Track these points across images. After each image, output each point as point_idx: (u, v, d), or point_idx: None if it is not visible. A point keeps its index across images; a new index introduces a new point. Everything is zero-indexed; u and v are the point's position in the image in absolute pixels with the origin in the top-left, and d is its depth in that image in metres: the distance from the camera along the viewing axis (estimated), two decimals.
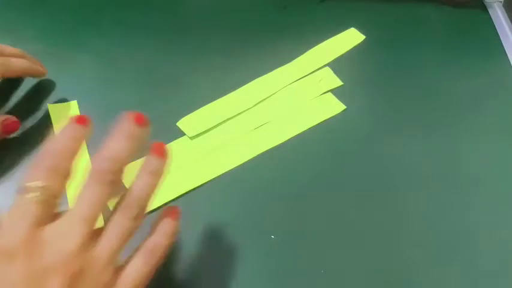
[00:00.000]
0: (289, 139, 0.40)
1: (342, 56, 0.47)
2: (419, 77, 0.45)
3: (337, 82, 0.44)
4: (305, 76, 0.44)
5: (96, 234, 0.24)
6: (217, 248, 0.33)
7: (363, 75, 0.45)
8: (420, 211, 0.36)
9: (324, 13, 0.51)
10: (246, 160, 0.38)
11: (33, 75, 0.41)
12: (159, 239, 0.26)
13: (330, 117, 0.41)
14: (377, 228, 0.35)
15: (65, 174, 0.24)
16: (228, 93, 0.43)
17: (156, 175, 0.26)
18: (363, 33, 0.49)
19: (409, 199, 0.37)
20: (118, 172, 0.25)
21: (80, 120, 0.26)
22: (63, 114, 0.39)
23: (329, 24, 0.50)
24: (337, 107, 0.42)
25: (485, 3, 0.53)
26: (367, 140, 0.40)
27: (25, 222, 0.22)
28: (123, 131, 0.26)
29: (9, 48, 0.39)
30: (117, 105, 0.41)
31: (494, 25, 0.51)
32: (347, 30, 0.49)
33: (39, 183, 0.23)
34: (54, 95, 0.41)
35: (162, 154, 0.27)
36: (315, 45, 0.47)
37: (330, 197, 0.36)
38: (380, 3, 0.52)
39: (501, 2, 0.53)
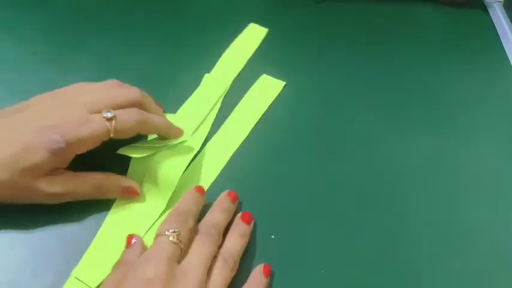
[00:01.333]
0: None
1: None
2: (419, 76, 0.45)
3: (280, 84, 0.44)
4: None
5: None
6: None
7: (362, 74, 0.45)
8: (420, 211, 0.36)
9: (323, 14, 0.51)
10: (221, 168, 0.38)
11: (166, 137, 0.37)
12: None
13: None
14: (377, 228, 0.35)
15: (189, 227, 0.31)
16: None
17: (245, 237, 0.33)
18: (363, 33, 0.49)
19: (410, 199, 0.37)
20: (219, 233, 0.32)
21: (199, 190, 0.34)
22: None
23: (328, 24, 0.50)
24: (277, 84, 0.43)
25: (485, 3, 0.53)
26: (368, 139, 0.40)
27: (164, 257, 0.28)
28: (221, 205, 0.34)
29: (153, 104, 0.38)
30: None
31: (494, 25, 0.51)
32: (248, 27, 0.49)
33: (174, 229, 0.30)
34: None
35: (250, 222, 0.34)
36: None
37: (330, 196, 0.36)
38: (379, 4, 0.52)
39: (501, 2, 0.53)
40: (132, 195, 0.35)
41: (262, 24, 0.49)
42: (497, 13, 0.52)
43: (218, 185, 0.37)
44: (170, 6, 0.50)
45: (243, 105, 0.42)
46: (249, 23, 0.49)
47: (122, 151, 0.35)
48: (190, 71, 0.44)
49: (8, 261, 0.32)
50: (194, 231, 0.31)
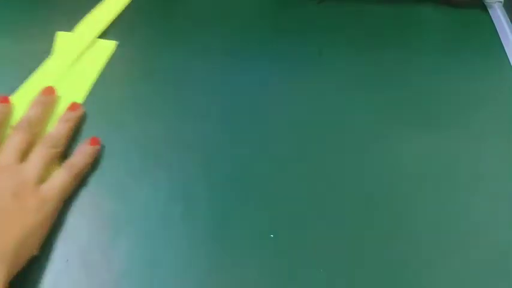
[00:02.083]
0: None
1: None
2: (419, 76, 0.45)
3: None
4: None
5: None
6: (216, 248, 0.33)
7: (362, 74, 0.45)
8: (420, 211, 0.36)
9: (323, 13, 0.51)
10: None
11: None
12: (78, 158, 0.36)
13: None
14: (377, 228, 0.35)
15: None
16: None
17: (70, 122, 0.38)
18: (363, 33, 0.49)
19: (410, 199, 0.37)
20: (31, 124, 0.37)
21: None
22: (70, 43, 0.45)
23: (328, 24, 0.50)
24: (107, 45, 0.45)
25: (485, 3, 0.53)
26: (367, 139, 0.40)
27: None
28: (36, 101, 0.39)
29: None
30: (115, 104, 0.41)
31: (494, 25, 0.51)
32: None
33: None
34: None
35: (75, 109, 0.39)
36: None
37: (330, 196, 0.36)
38: (379, 4, 0.52)
39: (501, 2, 0.53)
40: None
41: (262, 24, 0.49)
42: (497, 13, 0.52)
43: (218, 179, 0.37)
44: (170, 5, 0.50)
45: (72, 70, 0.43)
46: (249, 24, 0.49)
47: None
48: (191, 70, 0.44)
49: None
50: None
